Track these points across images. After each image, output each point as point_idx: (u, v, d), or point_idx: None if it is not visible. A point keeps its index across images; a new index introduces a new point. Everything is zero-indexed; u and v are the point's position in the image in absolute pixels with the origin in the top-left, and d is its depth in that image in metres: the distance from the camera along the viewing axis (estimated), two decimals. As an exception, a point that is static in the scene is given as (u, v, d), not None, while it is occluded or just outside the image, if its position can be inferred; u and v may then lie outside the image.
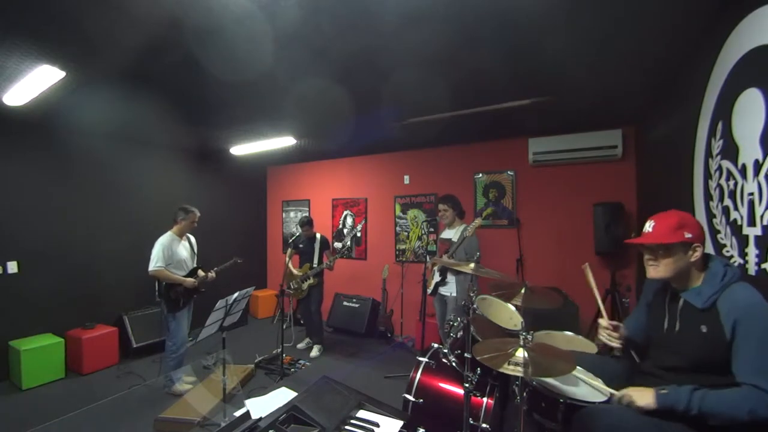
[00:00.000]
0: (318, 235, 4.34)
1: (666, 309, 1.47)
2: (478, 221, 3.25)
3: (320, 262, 4.28)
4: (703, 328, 1.29)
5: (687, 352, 1.31)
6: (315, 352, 4.22)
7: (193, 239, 3.54)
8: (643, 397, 1.31)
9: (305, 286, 4.21)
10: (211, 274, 3.47)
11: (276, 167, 6.50)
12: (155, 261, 3.13)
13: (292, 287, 4.26)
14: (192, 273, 3.37)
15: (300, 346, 4.43)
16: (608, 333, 1.66)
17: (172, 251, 3.21)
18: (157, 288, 3.22)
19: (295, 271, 4.28)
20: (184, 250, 3.35)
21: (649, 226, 1.42)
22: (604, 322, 1.69)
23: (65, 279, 3.88)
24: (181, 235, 3.37)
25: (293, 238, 4.41)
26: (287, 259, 4.34)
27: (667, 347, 1.43)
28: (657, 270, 1.40)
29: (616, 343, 1.64)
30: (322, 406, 1.49)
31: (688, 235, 1.33)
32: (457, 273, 3.29)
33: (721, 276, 1.30)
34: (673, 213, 1.41)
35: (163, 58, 2.32)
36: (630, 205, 3.71)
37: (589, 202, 3.77)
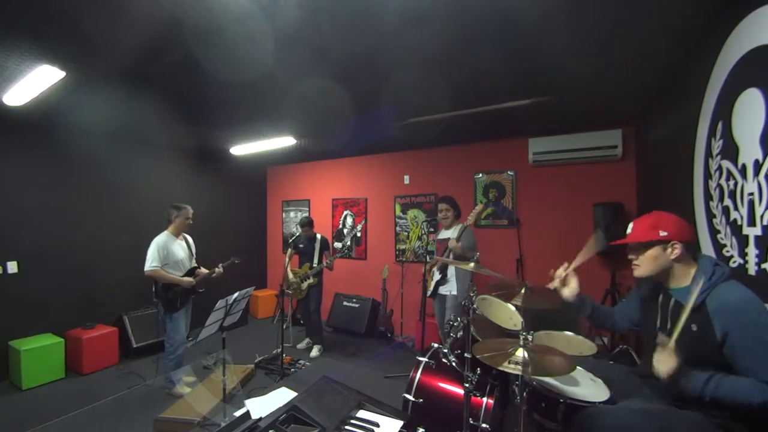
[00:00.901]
0: (318, 236, 4.34)
1: (658, 308, 1.48)
2: (478, 207, 3.26)
3: (320, 262, 4.28)
4: (693, 327, 1.29)
5: (680, 351, 1.31)
6: (315, 352, 4.22)
7: (190, 239, 3.53)
8: (663, 365, 1.25)
9: (305, 285, 4.21)
10: (219, 270, 3.47)
11: (276, 167, 6.50)
12: (150, 261, 3.11)
13: (292, 287, 4.27)
14: (189, 273, 3.35)
15: (300, 346, 4.43)
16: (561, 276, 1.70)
17: (167, 251, 3.20)
18: (154, 289, 3.21)
19: (290, 276, 4.26)
20: (181, 250, 3.33)
21: (629, 228, 1.50)
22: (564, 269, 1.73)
23: (65, 279, 3.88)
24: (177, 234, 3.35)
25: (293, 238, 4.41)
26: (287, 259, 4.34)
27: None
28: (638, 269, 1.47)
29: (559, 285, 1.70)
30: (322, 406, 1.49)
31: (663, 234, 1.38)
32: (456, 269, 3.31)
33: (709, 274, 1.31)
34: (653, 214, 1.47)
35: (163, 58, 2.32)
36: (630, 205, 3.71)
37: (589, 202, 3.77)
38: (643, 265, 1.44)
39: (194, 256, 3.51)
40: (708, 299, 1.28)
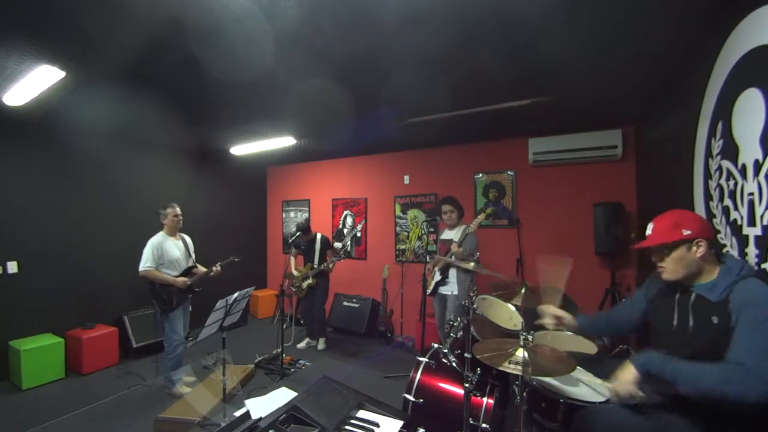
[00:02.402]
0: (318, 235, 4.36)
1: (675, 305, 1.43)
2: (481, 217, 3.26)
3: (321, 261, 4.30)
4: (715, 320, 1.27)
5: (697, 344, 1.29)
6: (321, 345, 4.29)
7: (188, 239, 3.53)
8: (625, 376, 1.32)
9: (305, 285, 4.23)
10: (216, 268, 3.46)
11: (276, 167, 6.50)
12: (144, 262, 3.12)
13: (294, 285, 4.29)
14: (186, 272, 3.35)
15: (300, 346, 4.43)
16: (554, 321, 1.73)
17: (162, 251, 3.20)
18: (150, 289, 3.21)
19: (295, 272, 4.30)
20: (177, 249, 3.33)
21: (649, 230, 1.44)
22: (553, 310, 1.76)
23: (65, 279, 3.88)
24: (172, 233, 3.36)
25: (293, 237, 4.40)
26: (292, 259, 4.37)
27: (678, 343, 1.40)
28: (667, 271, 1.40)
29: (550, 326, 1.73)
30: (322, 406, 1.49)
31: (686, 232, 1.33)
32: (458, 271, 3.31)
33: (737, 270, 1.28)
34: (672, 213, 1.42)
35: (163, 58, 2.32)
36: (630, 205, 3.71)
37: (589, 202, 3.76)
38: (669, 267, 1.38)
39: (192, 255, 3.50)
40: (732, 293, 1.26)
